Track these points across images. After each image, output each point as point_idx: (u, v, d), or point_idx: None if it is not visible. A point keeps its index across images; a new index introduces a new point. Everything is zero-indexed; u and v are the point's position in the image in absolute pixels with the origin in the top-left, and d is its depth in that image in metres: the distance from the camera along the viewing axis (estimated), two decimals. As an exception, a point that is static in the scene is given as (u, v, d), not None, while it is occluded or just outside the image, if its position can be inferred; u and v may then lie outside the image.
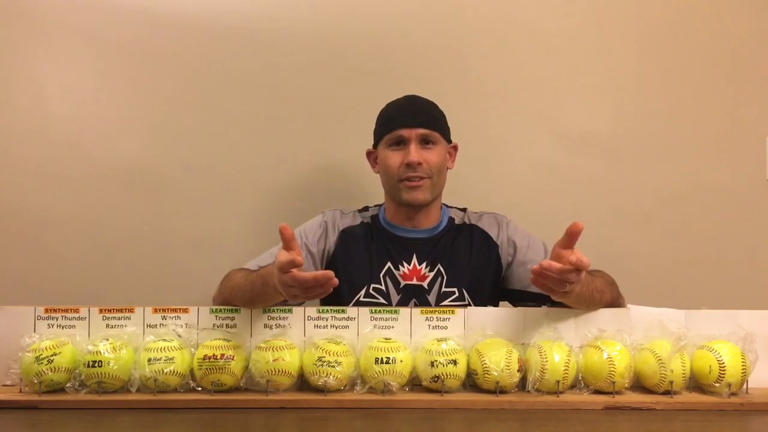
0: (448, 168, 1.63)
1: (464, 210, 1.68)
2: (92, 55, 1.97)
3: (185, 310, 1.27)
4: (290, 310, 1.29)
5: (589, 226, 2.02)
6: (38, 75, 1.96)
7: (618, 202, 2.05)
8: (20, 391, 1.19)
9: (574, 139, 2.05)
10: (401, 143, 1.55)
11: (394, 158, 1.55)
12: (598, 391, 1.22)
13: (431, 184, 1.56)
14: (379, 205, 1.70)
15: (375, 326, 1.28)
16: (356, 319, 1.28)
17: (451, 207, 1.69)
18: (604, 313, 1.31)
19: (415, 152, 1.52)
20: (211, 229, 1.97)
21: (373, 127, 1.64)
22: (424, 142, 1.55)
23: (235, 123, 2.00)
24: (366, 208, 1.69)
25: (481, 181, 2.01)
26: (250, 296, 1.28)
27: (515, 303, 1.57)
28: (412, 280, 1.56)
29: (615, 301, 1.36)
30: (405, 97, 1.62)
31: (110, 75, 1.97)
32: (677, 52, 2.07)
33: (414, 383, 1.23)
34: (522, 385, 1.21)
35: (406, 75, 2.01)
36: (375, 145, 1.63)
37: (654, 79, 2.06)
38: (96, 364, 1.16)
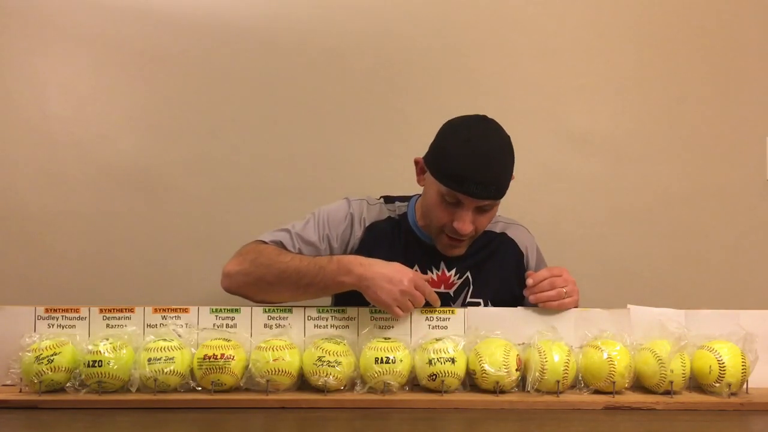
0: None
1: None
2: (92, 55, 1.97)
3: (185, 310, 1.28)
4: (290, 310, 1.29)
5: (589, 226, 2.07)
6: (38, 75, 1.96)
7: (618, 202, 2.05)
8: (20, 391, 1.19)
9: (574, 139, 2.05)
10: (457, 203, 1.37)
11: (443, 213, 1.39)
12: (598, 391, 1.22)
13: (472, 238, 1.45)
14: (406, 200, 1.57)
15: (375, 326, 1.29)
16: (356, 319, 1.28)
17: None
18: (604, 313, 1.31)
19: (468, 223, 1.36)
20: (211, 229, 1.97)
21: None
22: (482, 210, 1.39)
23: (235, 123, 1.99)
24: (391, 200, 1.57)
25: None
26: (308, 281, 1.31)
27: None
28: (440, 287, 1.47)
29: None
30: (482, 151, 1.36)
31: (110, 75, 1.97)
32: (677, 52, 2.06)
33: (414, 383, 1.23)
34: (522, 385, 1.22)
35: (406, 74, 2.01)
36: (426, 163, 1.43)
37: (654, 79, 2.06)
38: (96, 364, 1.16)
